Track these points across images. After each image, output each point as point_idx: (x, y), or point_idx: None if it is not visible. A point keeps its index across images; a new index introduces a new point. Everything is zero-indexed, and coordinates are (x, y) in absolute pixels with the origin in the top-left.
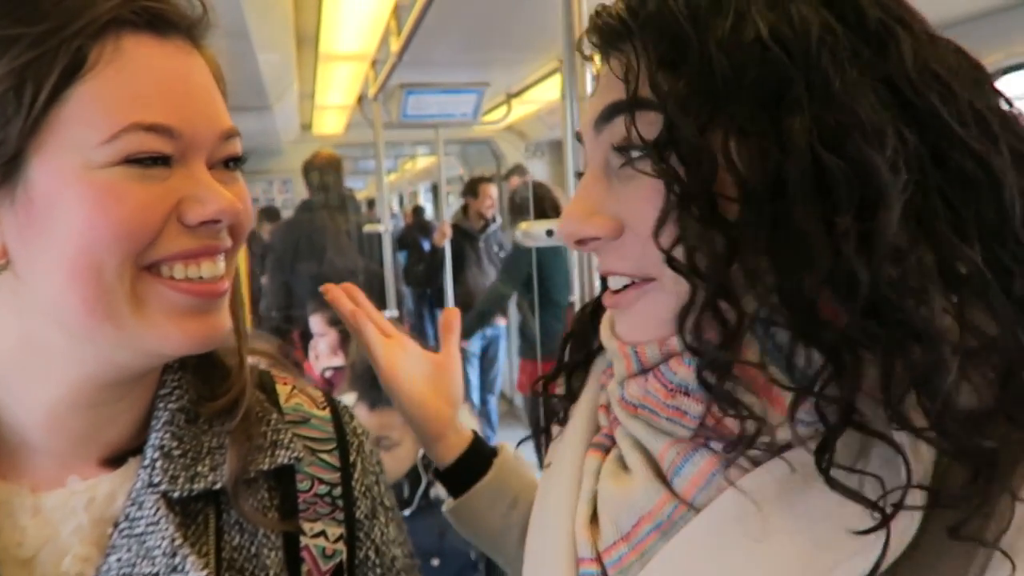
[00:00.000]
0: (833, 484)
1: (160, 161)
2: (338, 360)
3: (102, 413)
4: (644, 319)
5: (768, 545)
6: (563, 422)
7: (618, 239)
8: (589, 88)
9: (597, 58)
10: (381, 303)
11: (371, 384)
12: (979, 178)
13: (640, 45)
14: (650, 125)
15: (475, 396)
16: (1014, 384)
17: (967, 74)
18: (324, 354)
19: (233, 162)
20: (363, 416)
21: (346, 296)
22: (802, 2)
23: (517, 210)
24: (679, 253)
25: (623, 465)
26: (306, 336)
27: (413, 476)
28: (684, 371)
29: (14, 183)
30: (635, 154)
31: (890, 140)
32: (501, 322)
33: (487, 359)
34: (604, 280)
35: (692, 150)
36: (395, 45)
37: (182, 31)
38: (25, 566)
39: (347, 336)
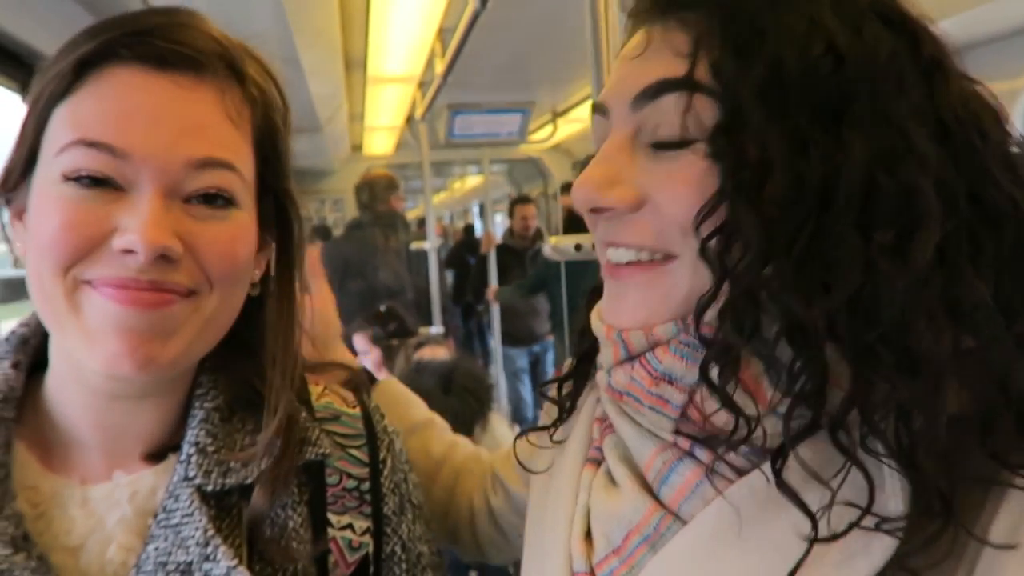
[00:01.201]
0: (781, 486)
1: (99, 182)
2: (382, 376)
3: (135, 406)
4: (650, 298)
5: (751, 556)
6: (563, 418)
7: (636, 212)
8: None
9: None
10: (428, 319)
11: None
12: (1009, 217)
13: (710, 22)
14: (703, 111)
15: (529, 413)
16: (999, 426)
17: (992, 115)
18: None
19: (222, 199)
20: None
21: None
22: (871, 22)
23: (574, 227)
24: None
25: (612, 479)
26: (355, 352)
27: None
28: (669, 359)
29: (29, 190)
30: (669, 136)
31: (933, 171)
32: (549, 338)
33: (538, 375)
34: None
35: (755, 141)
36: (440, 67)
37: (182, 67)
38: (73, 553)
39: (389, 354)
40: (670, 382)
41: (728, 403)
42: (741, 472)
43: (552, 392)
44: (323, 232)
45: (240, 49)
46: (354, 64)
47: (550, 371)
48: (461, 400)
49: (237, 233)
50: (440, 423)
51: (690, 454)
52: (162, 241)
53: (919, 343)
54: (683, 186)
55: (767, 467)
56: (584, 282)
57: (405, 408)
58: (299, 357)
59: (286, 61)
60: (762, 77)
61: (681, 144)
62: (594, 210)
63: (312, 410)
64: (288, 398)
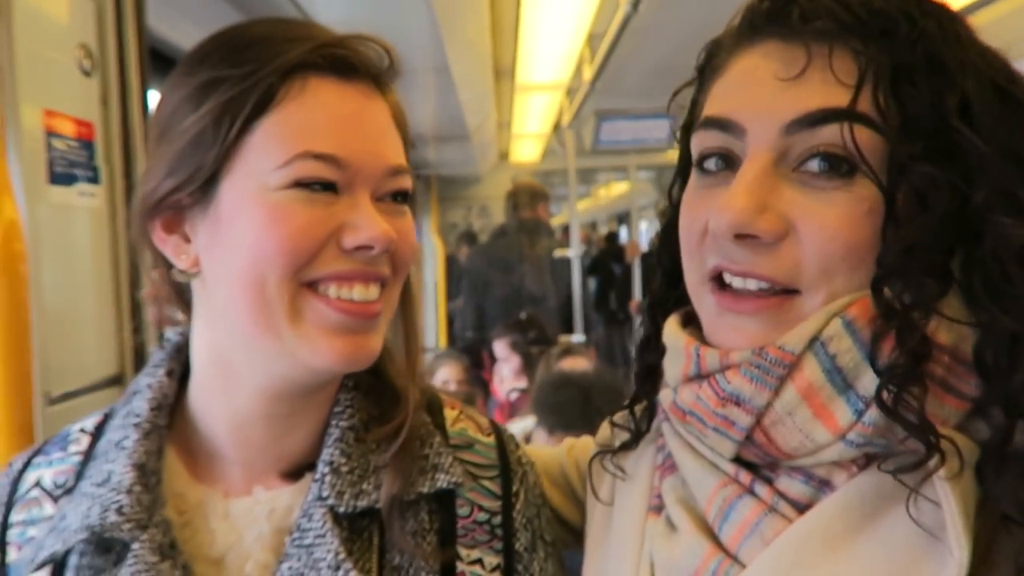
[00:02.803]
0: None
1: (326, 187)
2: (522, 383)
3: (278, 425)
4: (770, 333)
5: None
6: (639, 434)
7: (778, 243)
8: None
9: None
10: (569, 328)
11: (550, 409)
12: None
13: (884, 54)
14: (865, 142)
15: None
16: None
17: None
18: (508, 378)
19: (402, 197)
20: (541, 440)
21: None
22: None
23: None
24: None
25: (671, 524)
26: (496, 357)
27: None
28: (738, 381)
29: (208, 201)
30: (822, 166)
31: None
32: None
33: None
34: (719, 279)
35: (939, 189)
36: (588, 73)
37: (365, 76)
38: (215, 565)
39: (529, 361)
40: (737, 404)
41: (913, 426)
42: (801, 508)
43: (620, 419)
44: (469, 238)
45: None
46: (503, 72)
47: None
48: (601, 416)
49: (412, 225)
50: None
51: (750, 491)
52: (391, 235)
53: None
54: (839, 221)
55: (824, 506)
56: None
57: None
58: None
59: (437, 71)
60: (947, 111)
61: (845, 175)
62: (739, 236)
63: (446, 435)
64: (417, 415)
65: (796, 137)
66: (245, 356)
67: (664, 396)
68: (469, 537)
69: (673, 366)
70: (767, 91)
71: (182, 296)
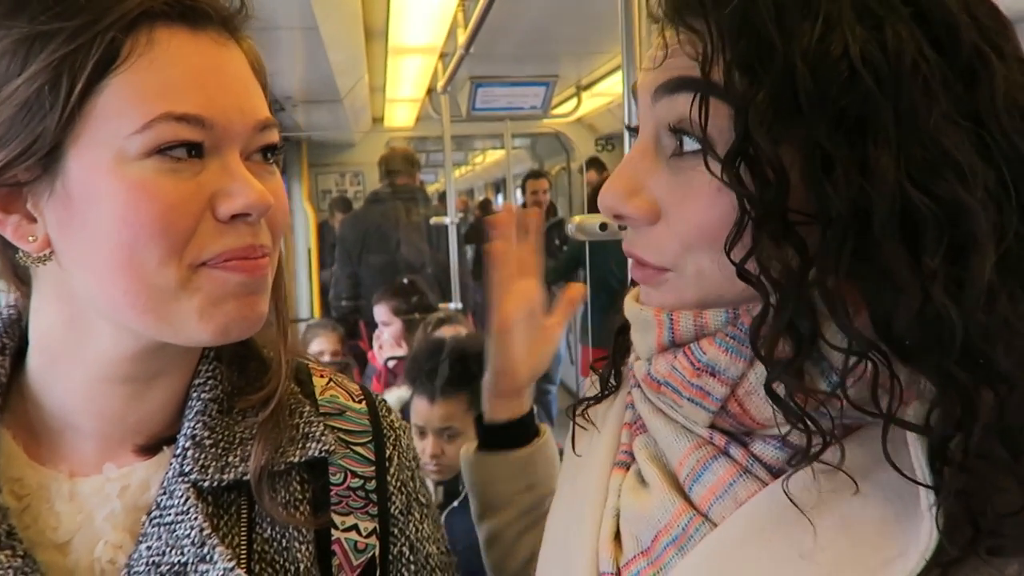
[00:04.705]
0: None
1: (192, 152)
2: (401, 351)
3: (135, 390)
4: (668, 300)
5: (783, 565)
6: (605, 395)
7: (651, 226)
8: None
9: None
10: (447, 295)
11: (428, 376)
12: None
13: (716, 36)
14: (718, 115)
15: None
16: None
17: None
18: (388, 344)
19: (271, 152)
20: (423, 409)
21: (507, 230)
22: (896, 19)
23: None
24: (749, 265)
25: (642, 480)
26: (372, 326)
27: None
28: (714, 351)
29: (53, 176)
30: (688, 146)
31: (981, 181)
32: None
33: None
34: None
35: (770, 164)
36: (462, 37)
37: (216, 22)
38: (60, 550)
39: (410, 326)
40: (712, 374)
41: (800, 419)
42: (775, 472)
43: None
44: (343, 204)
45: None
46: (375, 34)
47: (561, 348)
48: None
49: (283, 185)
50: None
51: (725, 452)
52: (268, 198)
53: (997, 366)
54: (694, 203)
55: (801, 472)
56: (599, 250)
57: (555, 463)
58: (297, 345)
59: (305, 30)
60: (772, 92)
61: (698, 154)
62: (616, 216)
63: (316, 404)
64: (285, 384)
65: (660, 107)
66: (111, 330)
67: (638, 368)
68: (343, 504)
69: (645, 337)
70: (641, 78)
71: (15, 268)
